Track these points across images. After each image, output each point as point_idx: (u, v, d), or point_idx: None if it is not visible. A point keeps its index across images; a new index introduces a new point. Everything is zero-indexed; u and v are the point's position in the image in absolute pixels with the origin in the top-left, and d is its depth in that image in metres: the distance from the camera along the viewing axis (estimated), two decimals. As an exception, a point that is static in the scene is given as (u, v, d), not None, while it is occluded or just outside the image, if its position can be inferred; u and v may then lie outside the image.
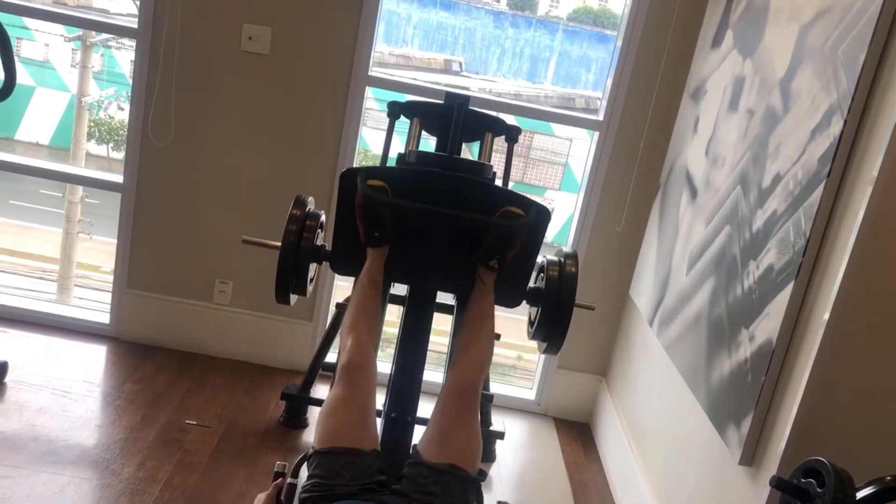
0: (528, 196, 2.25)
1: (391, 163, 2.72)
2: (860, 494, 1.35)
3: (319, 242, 2.44)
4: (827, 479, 1.36)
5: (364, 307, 2.12)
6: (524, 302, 2.48)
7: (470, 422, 1.90)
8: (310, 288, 2.49)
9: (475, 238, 2.22)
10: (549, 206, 2.26)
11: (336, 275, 3.23)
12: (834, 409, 1.86)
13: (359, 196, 2.18)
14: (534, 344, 2.62)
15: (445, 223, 2.20)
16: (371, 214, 2.20)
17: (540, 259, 2.47)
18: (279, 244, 2.37)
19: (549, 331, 2.44)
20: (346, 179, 2.23)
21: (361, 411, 1.87)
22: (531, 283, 2.46)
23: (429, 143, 2.92)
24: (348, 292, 2.53)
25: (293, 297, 2.45)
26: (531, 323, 2.55)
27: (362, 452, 1.76)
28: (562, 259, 2.46)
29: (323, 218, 2.47)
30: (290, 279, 2.38)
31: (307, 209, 2.42)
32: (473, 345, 2.10)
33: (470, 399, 1.93)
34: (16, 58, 2.97)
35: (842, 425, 1.86)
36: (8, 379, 3.19)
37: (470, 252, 2.24)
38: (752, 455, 2.08)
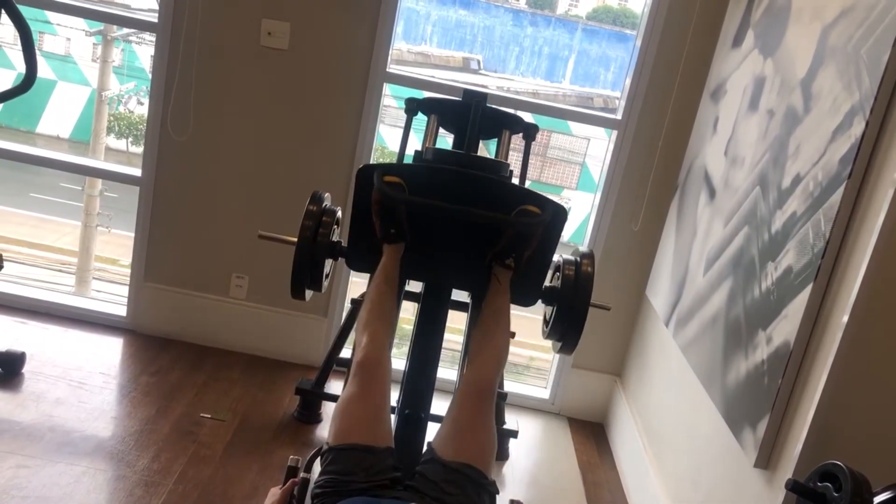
0: (544, 195, 2.24)
1: (408, 160, 2.72)
2: (878, 499, 1.34)
3: (335, 238, 2.44)
4: (844, 484, 1.35)
5: (379, 304, 2.12)
6: (539, 301, 2.47)
7: (486, 421, 1.89)
8: (325, 284, 2.48)
9: (491, 236, 2.21)
10: (565, 206, 2.25)
11: (351, 271, 3.23)
12: (851, 413, 1.85)
13: (375, 192, 2.18)
14: (548, 343, 2.61)
15: (461, 221, 2.19)
16: (387, 211, 2.20)
17: (556, 258, 2.46)
18: (295, 240, 2.37)
19: (564, 331, 2.43)
20: (362, 176, 2.23)
21: (376, 408, 1.87)
22: (547, 283, 2.45)
23: (446, 140, 2.92)
24: (363, 289, 2.53)
25: (308, 293, 2.45)
26: (546, 322, 2.54)
27: (376, 449, 1.76)
28: (578, 258, 2.45)
29: (339, 214, 2.48)
30: (305, 275, 2.38)
31: (323, 205, 2.43)
32: (489, 343, 2.09)
33: (486, 398, 1.92)
34: (37, 52, 2.99)
35: (859, 429, 1.85)
36: (25, 370, 3.21)
37: (486, 250, 2.23)
38: (767, 458, 2.07)
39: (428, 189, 2.19)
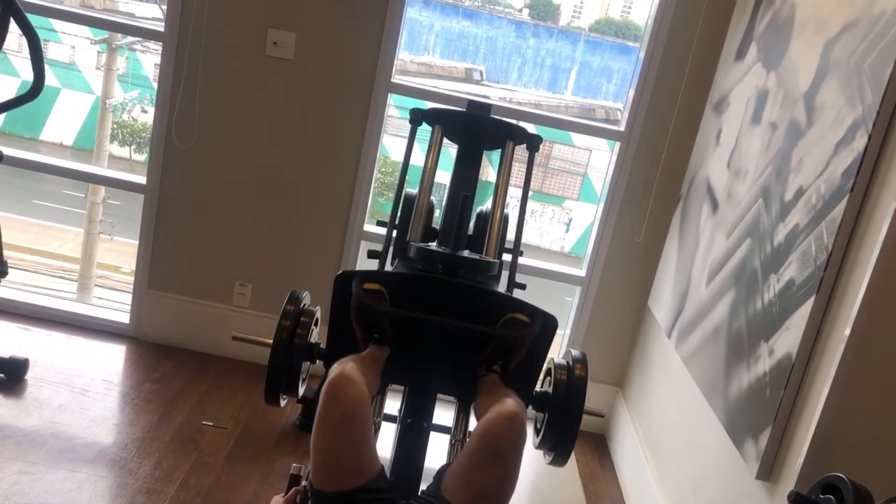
0: (533, 305, 2.15)
1: (413, 182, 2.64)
2: (880, 511, 1.34)
3: (314, 340, 2.31)
4: (846, 496, 1.35)
5: (363, 359, 1.96)
6: (529, 407, 2.30)
7: (501, 470, 1.71)
8: (301, 389, 2.32)
9: (477, 345, 2.13)
10: (555, 317, 2.15)
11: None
12: (854, 425, 1.85)
13: (354, 301, 2.10)
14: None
15: (446, 330, 2.09)
16: (368, 319, 2.11)
17: (547, 361, 2.34)
18: (270, 342, 2.23)
19: (557, 440, 2.29)
20: (341, 283, 2.15)
21: (356, 443, 1.69)
22: (538, 387, 2.34)
23: (449, 150, 2.93)
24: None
25: (283, 400, 2.31)
26: (537, 431, 2.40)
27: (366, 484, 1.67)
28: (570, 362, 2.33)
29: (318, 314, 2.35)
30: (281, 379, 2.24)
31: (302, 305, 2.30)
32: (500, 394, 1.93)
33: (509, 436, 1.71)
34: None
35: (861, 441, 1.85)
36: (29, 376, 3.22)
37: (472, 358, 2.14)
38: (769, 469, 2.07)
39: (410, 297, 2.11)
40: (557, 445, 2.29)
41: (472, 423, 1.98)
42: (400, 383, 2.30)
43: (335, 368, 1.78)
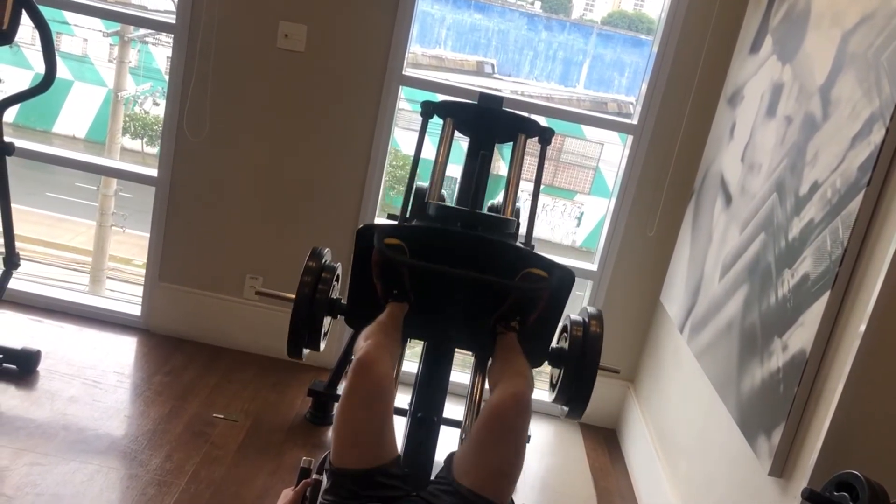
0: (551, 259, 2.19)
1: (423, 175, 2.67)
2: (895, 509, 1.32)
3: (335, 296, 2.36)
4: (861, 493, 1.34)
5: (385, 326, 2.03)
6: (546, 363, 2.38)
7: (509, 448, 1.76)
8: (323, 343, 2.40)
9: (496, 299, 2.15)
10: (572, 270, 2.19)
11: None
12: (868, 422, 1.83)
13: (375, 255, 2.13)
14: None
15: (465, 284, 2.13)
16: (388, 273, 2.14)
17: (564, 318, 2.37)
18: (293, 297, 2.28)
19: (572, 395, 2.34)
20: (362, 237, 2.18)
21: (378, 421, 1.76)
22: (554, 344, 2.37)
23: (461, 144, 2.92)
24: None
25: (305, 353, 2.36)
26: (552, 386, 2.45)
27: (382, 468, 1.71)
28: (586, 319, 2.36)
29: (339, 271, 2.40)
30: (303, 333, 2.29)
31: (323, 261, 2.35)
32: (512, 365, 1.99)
33: (515, 415, 1.77)
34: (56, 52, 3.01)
35: (876, 438, 1.83)
36: (41, 367, 3.23)
37: (490, 312, 2.17)
38: (782, 466, 2.06)
39: (430, 251, 2.14)
40: (573, 400, 2.34)
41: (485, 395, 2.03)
42: (419, 338, 2.34)
43: (361, 346, 1.85)
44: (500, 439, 1.76)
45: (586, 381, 2.29)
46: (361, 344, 1.88)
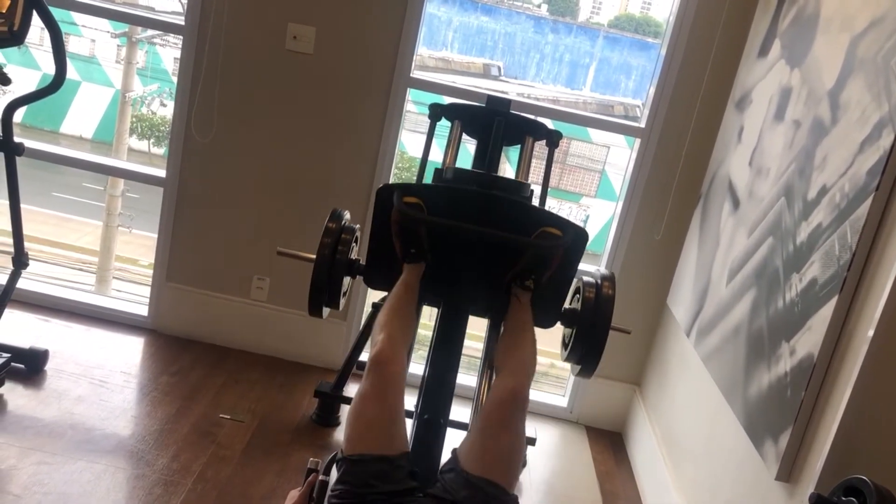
0: (565, 217, 2.22)
1: (430, 172, 2.71)
2: (904, 515, 1.32)
3: (354, 256, 2.43)
4: (868, 499, 1.34)
5: (399, 308, 2.11)
6: (559, 323, 2.44)
7: (511, 435, 1.84)
8: (342, 302, 2.47)
9: (511, 257, 2.20)
10: (586, 229, 2.23)
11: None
12: (875, 427, 1.83)
13: (394, 213, 2.17)
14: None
15: (481, 242, 2.18)
16: (407, 231, 2.19)
17: (576, 280, 2.43)
18: (313, 257, 2.35)
19: (584, 353, 2.40)
20: (382, 195, 2.22)
21: (390, 411, 1.83)
22: (566, 304, 2.42)
23: (468, 147, 2.92)
24: (383, 293, 2.53)
25: (325, 311, 2.44)
26: (565, 345, 2.51)
27: (391, 457, 1.74)
28: (598, 280, 2.42)
29: (358, 232, 2.47)
30: (323, 292, 2.36)
31: (342, 223, 2.41)
32: (516, 353, 2.07)
33: (513, 408, 1.87)
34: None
35: (883, 443, 1.83)
36: (48, 367, 3.25)
37: (505, 271, 2.21)
38: (789, 471, 2.05)
39: (448, 210, 2.17)
40: (584, 358, 2.40)
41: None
42: (434, 303, 2.38)
43: (377, 339, 1.94)
44: (503, 428, 1.84)
45: (598, 341, 2.35)
46: (377, 337, 1.96)
